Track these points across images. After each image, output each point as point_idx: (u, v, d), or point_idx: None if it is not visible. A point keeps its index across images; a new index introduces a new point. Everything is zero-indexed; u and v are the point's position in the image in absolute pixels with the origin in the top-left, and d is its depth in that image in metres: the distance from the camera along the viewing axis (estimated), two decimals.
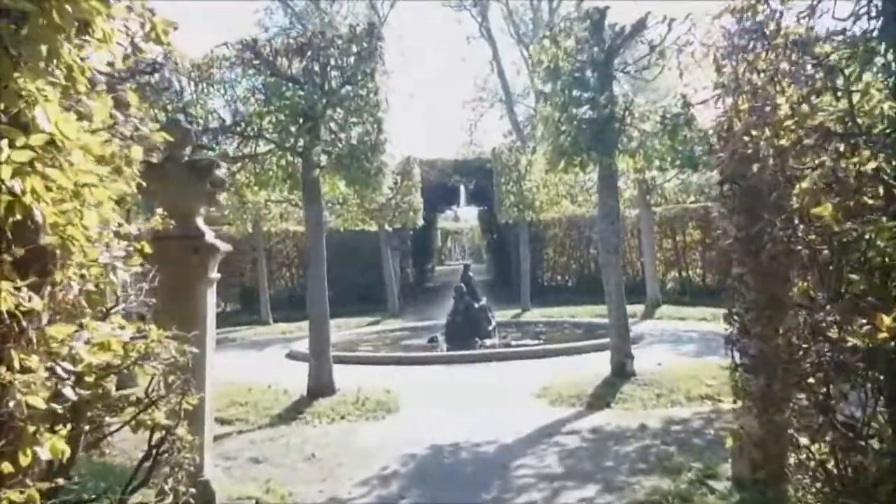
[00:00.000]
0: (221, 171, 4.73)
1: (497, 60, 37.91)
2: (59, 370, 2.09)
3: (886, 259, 2.40)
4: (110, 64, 2.57)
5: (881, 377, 2.54)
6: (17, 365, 1.92)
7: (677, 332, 12.93)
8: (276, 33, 30.60)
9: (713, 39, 4.41)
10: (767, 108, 3.79)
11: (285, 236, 19.73)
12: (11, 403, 1.86)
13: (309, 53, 7.57)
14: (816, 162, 2.84)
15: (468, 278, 13.63)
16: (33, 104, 1.78)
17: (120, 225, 3.61)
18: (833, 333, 2.56)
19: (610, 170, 7.91)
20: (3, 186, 1.80)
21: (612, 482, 5.02)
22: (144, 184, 4.42)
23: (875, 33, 2.59)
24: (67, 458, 2.24)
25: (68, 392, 2.10)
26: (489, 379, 9.29)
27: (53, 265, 2.20)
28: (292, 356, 11.74)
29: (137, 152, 3.59)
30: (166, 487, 3.19)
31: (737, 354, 4.30)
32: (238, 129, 7.97)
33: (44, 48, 1.82)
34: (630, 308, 15.53)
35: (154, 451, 3.48)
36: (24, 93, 1.77)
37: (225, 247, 4.54)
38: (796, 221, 3.12)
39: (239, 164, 8.44)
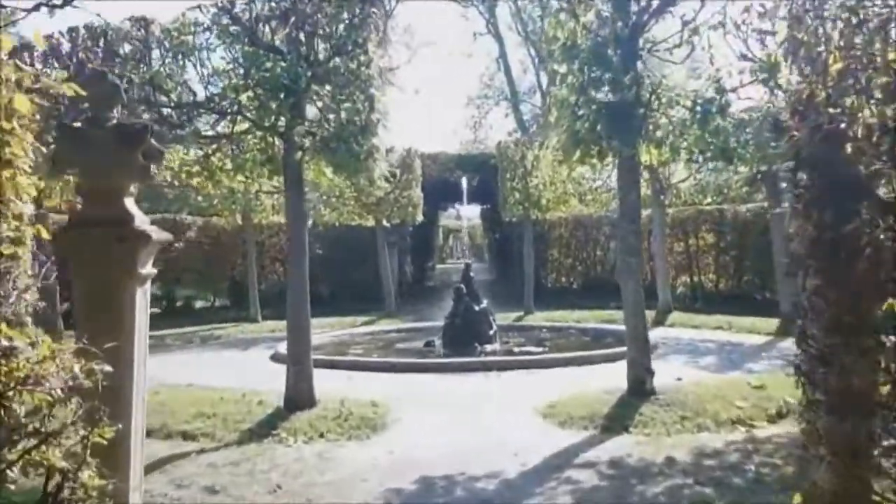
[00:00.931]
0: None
1: (504, 58, 37.06)
2: None
3: None
4: None
5: None
6: None
7: (693, 341, 12.00)
8: None
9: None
10: (871, 70, 2.88)
11: (278, 229, 18.79)
12: None
13: (293, 20, 6.63)
14: None
15: (469, 278, 12.69)
16: None
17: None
18: None
19: (632, 161, 6.97)
20: None
21: None
22: (59, 152, 3.52)
23: None
24: None
25: None
26: (489, 391, 8.37)
27: None
28: (277, 358, 10.79)
29: (23, 103, 2.68)
30: None
31: (810, 388, 3.34)
32: (212, 104, 7.04)
33: None
34: None
35: (50, 501, 2.61)
36: None
37: (161, 236, 3.60)
38: None
39: (214, 146, 7.53)
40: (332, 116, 6.80)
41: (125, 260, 3.36)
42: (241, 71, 6.94)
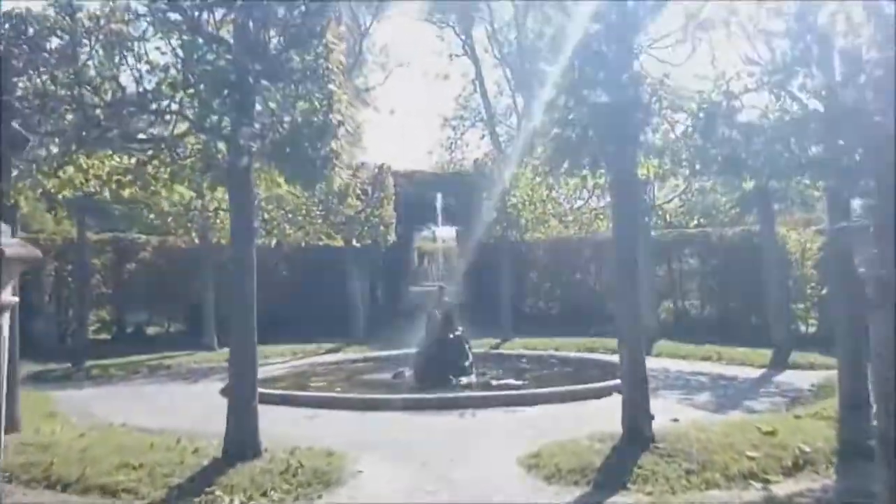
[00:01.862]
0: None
1: (480, 79, 36.58)
2: None
3: None
4: None
5: None
6: None
7: (682, 374, 11.17)
8: None
9: None
10: None
11: None
12: None
13: (240, 4, 5.70)
14: None
15: (443, 303, 11.70)
16: None
17: None
18: None
19: (630, 173, 6.11)
20: None
21: None
22: None
23: None
24: None
25: None
26: (464, 435, 7.38)
27: None
28: (227, 393, 9.68)
29: None
30: None
31: None
32: (146, 103, 6.05)
33: None
34: None
35: None
36: None
37: (26, 253, 2.61)
38: None
39: (150, 152, 6.53)
40: (284, 117, 5.85)
41: None
42: (180, 65, 5.98)
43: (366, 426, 7.69)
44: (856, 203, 6.59)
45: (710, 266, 16.97)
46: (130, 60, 6.19)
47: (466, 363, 10.95)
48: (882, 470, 3.20)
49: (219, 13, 5.92)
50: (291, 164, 5.73)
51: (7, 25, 6.76)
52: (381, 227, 16.38)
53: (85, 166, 6.69)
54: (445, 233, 22.37)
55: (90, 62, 6.38)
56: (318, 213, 15.32)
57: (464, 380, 10.49)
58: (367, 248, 17.20)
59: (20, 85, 6.42)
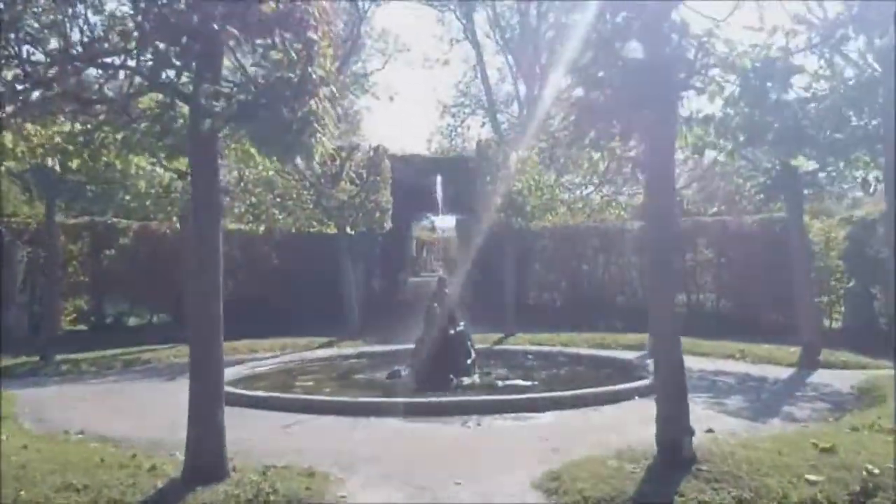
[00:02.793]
0: None
1: (481, 65, 35.49)
2: None
3: None
4: None
5: None
6: None
7: (705, 373, 10.19)
8: None
9: None
10: None
11: (227, 236, 16.70)
12: None
13: None
14: None
15: (443, 295, 10.70)
16: None
17: None
18: None
19: (669, 142, 5.11)
20: None
21: None
22: None
23: None
24: None
25: None
26: (470, 446, 6.42)
27: None
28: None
29: None
30: None
31: None
32: (90, 54, 5.04)
33: None
34: (636, 337, 12.93)
35: None
36: None
37: None
38: None
39: (101, 116, 5.51)
40: (255, 71, 4.84)
41: None
42: (132, 9, 4.96)
43: (355, 436, 6.73)
44: None
45: (728, 257, 15.99)
46: (80, 8, 5.16)
47: (469, 361, 9.98)
48: None
49: None
50: (262, 127, 4.72)
51: None
52: (377, 214, 15.38)
53: (25, 133, 5.68)
54: (445, 222, 21.40)
55: (30, 8, 5.35)
56: (309, 196, 14.32)
57: (466, 380, 9.53)
58: (362, 236, 16.21)
59: None
